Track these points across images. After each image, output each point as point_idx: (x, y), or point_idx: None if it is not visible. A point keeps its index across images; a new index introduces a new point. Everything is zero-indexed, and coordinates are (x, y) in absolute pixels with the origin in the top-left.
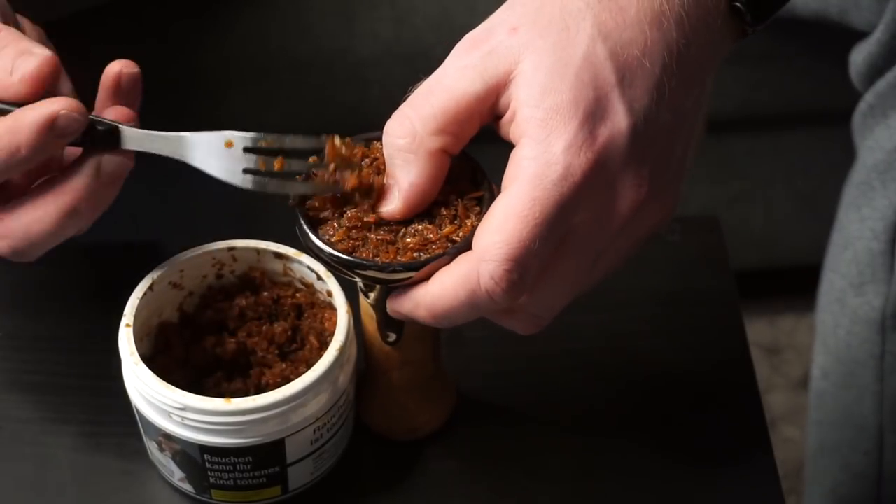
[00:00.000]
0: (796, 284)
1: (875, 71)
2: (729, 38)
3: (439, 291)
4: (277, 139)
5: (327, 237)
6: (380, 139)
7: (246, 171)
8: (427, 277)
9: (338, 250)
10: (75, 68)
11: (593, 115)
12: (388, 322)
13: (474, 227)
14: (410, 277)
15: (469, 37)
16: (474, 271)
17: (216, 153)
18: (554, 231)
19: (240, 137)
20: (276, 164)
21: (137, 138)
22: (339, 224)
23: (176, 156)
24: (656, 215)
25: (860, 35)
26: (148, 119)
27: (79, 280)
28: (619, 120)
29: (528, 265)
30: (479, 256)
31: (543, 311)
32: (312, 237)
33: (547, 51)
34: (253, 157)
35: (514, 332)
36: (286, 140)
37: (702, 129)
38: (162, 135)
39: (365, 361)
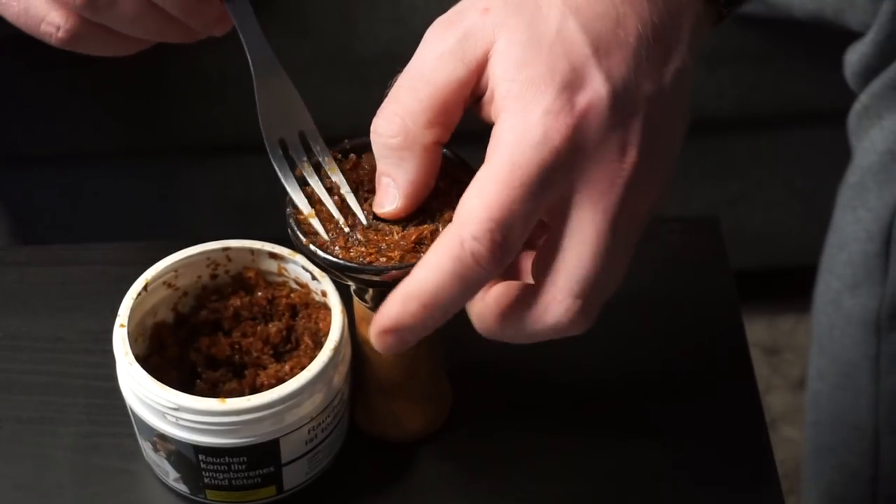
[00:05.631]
0: (795, 285)
1: (870, 71)
2: (706, 20)
3: (424, 271)
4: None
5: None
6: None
7: (282, 142)
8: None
9: (332, 255)
10: (74, 66)
11: (570, 84)
12: None
13: None
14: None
15: (440, 20)
16: (456, 238)
17: (277, 105)
18: (536, 195)
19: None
20: (297, 171)
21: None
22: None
23: (252, 57)
24: (652, 189)
25: (856, 35)
26: (147, 118)
27: (78, 280)
28: (597, 87)
29: (511, 226)
30: (459, 223)
31: (585, 291)
32: (305, 242)
33: (520, 28)
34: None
35: None
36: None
37: (687, 109)
38: (263, 39)
39: (359, 364)
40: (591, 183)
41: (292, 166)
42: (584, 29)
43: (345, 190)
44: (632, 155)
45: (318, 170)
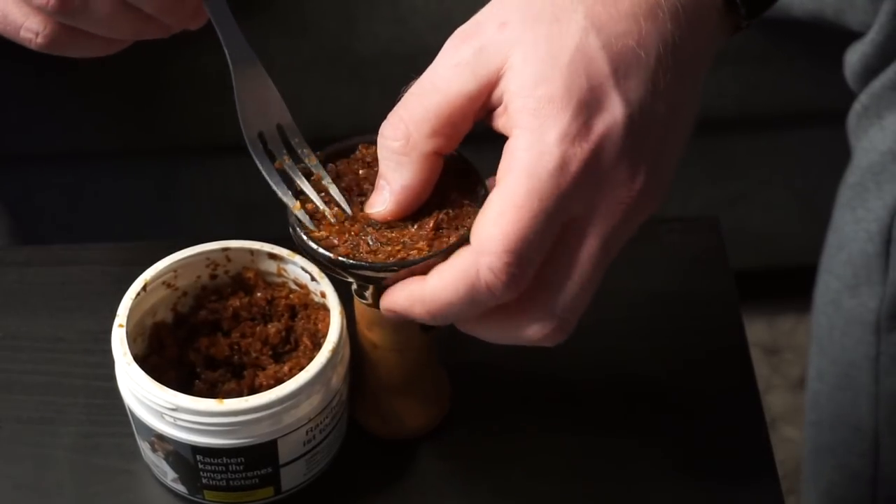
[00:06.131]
0: (795, 285)
1: (869, 71)
2: (722, 32)
3: (438, 285)
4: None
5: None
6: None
7: (261, 136)
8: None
9: (333, 252)
10: (74, 66)
11: (588, 105)
12: None
13: (471, 224)
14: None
15: (459, 32)
16: (473, 265)
17: (256, 98)
18: (552, 222)
19: (286, 127)
20: (277, 163)
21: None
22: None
23: (230, 53)
24: (651, 207)
25: (856, 35)
26: (147, 118)
27: (78, 280)
28: (615, 110)
29: (527, 257)
30: (477, 250)
31: (566, 311)
32: (307, 240)
33: (537, 43)
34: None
35: None
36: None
37: (692, 124)
38: (239, 34)
39: (360, 363)
40: (596, 206)
41: (272, 160)
42: (605, 47)
43: (326, 181)
44: (640, 181)
45: (298, 163)
